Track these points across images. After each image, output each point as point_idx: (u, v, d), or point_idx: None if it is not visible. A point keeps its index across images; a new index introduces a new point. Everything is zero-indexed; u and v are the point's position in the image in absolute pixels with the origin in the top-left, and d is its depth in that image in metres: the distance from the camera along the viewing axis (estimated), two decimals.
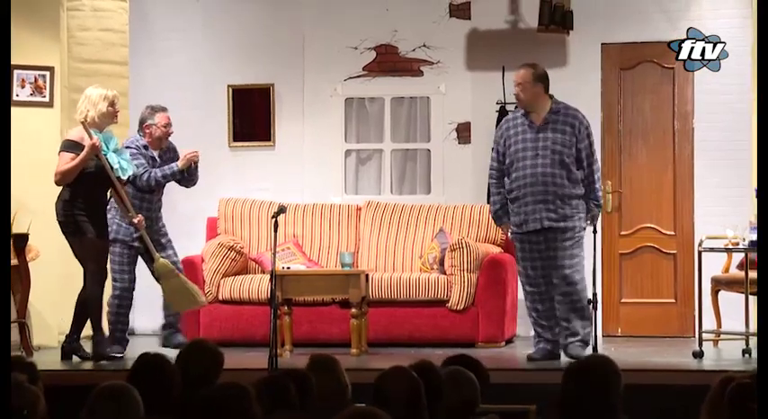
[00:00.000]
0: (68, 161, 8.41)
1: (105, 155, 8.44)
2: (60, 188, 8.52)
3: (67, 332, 8.73)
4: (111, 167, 8.45)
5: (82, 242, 8.44)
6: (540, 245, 8.44)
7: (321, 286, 9.14)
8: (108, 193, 8.68)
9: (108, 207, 8.74)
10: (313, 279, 9.18)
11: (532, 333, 10.37)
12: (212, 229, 10.43)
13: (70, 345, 8.63)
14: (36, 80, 9.73)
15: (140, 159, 9.05)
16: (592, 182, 8.48)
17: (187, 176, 9.24)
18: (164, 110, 9.26)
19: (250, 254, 10.17)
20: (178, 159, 9.21)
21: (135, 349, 8.64)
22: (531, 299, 8.57)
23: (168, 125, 9.24)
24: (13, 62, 9.49)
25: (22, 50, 9.62)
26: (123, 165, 8.55)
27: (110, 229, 8.76)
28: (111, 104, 8.57)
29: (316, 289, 9.16)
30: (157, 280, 9.00)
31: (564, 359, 8.43)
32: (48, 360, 8.56)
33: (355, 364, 8.29)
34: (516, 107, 8.87)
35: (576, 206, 8.42)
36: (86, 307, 8.49)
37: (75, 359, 8.63)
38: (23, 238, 9.13)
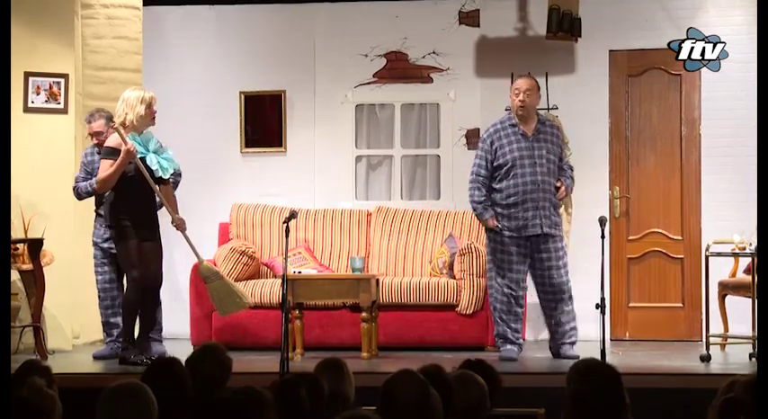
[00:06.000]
0: (107, 168, 8.36)
1: (145, 156, 8.39)
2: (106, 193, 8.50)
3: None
4: (151, 168, 8.41)
5: (123, 248, 8.41)
6: (529, 249, 8.85)
7: (332, 290, 9.15)
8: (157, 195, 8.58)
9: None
10: (324, 283, 9.20)
11: (541, 336, 10.47)
12: (224, 234, 10.49)
13: (121, 351, 8.54)
14: (51, 87, 9.75)
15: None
16: (564, 176, 8.96)
17: None
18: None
19: (262, 258, 10.23)
20: None
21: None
22: (503, 299, 8.88)
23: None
24: (28, 69, 9.62)
25: (37, 58, 9.69)
26: (164, 165, 8.49)
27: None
28: (149, 106, 8.50)
29: (327, 293, 9.19)
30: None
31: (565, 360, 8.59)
32: (62, 363, 8.52)
33: (366, 368, 8.36)
34: (509, 114, 9.01)
35: (560, 214, 9.02)
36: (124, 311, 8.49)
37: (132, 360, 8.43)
38: (38, 243, 9.15)
